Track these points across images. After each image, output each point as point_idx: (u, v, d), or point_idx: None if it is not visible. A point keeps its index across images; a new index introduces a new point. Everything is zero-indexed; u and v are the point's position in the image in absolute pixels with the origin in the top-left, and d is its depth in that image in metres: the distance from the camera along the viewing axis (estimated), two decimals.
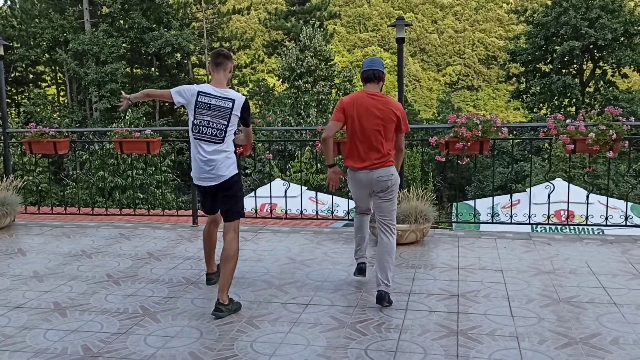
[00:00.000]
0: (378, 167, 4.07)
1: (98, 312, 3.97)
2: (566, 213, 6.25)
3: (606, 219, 5.88)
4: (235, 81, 36.56)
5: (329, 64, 27.78)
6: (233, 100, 4.08)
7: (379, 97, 4.09)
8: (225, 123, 4.06)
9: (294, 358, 3.23)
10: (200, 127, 4.06)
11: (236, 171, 4.11)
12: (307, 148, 20.52)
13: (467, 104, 62.10)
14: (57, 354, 3.33)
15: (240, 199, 4.16)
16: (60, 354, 3.33)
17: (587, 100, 29.10)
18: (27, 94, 34.33)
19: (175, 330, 3.64)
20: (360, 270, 4.55)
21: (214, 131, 4.04)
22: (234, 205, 4.11)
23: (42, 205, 8.50)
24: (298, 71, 26.81)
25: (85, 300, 4.21)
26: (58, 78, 36.24)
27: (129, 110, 23.85)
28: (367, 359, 3.21)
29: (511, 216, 6.17)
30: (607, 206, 5.97)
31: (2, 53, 7.11)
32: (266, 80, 38.61)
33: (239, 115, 4.12)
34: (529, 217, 6.04)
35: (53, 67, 35.08)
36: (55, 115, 30.44)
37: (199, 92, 4.12)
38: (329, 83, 27.38)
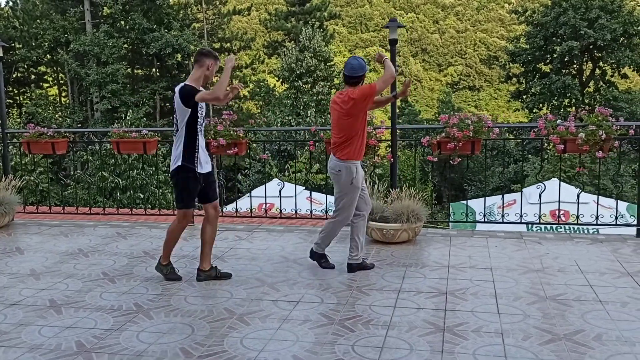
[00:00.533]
0: (332, 154, 4.71)
1: (93, 309, 4.05)
2: (559, 212, 6.29)
3: (597, 218, 5.94)
4: (235, 82, 36.64)
5: (328, 64, 27.86)
6: (175, 93, 4.32)
7: (341, 94, 4.65)
8: (177, 117, 4.34)
9: (283, 354, 3.30)
10: (174, 124, 4.45)
11: (179, 164, 4.32)
12: (305, 148, 20.59)
13: (468, 104, 62.15)
14: (52, 350, 3.40)
15: (177, 191, 4.44)
16: (55, 350, 3.40)
17: (586, 101, 29.11)
18: (29, 95, 34.47)
19: (167, 327, 3.71)
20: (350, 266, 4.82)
21: (175, 126, 4.38)
22: (176, 196, 4.49)
23: (41, 205, 8.58)
24: (297, 72, 26.89)
25: (81, 297, 4.29)
26: (59, 79, 36.37)
27: (130, 110, 23.95)
28: (353, 354, 3.28)
29: (503, 215, 6.23)
30: (597, 204, 6.03)
31: (1, 54, 7.19)
32: (267, 80, 38.66)
33: (182, 105, 4.24)
34: (520, 216, 6.11)
35: (54, 68, 35.22)
36: (57, 115, 30.56)
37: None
38: (329, 83, 27.45)
